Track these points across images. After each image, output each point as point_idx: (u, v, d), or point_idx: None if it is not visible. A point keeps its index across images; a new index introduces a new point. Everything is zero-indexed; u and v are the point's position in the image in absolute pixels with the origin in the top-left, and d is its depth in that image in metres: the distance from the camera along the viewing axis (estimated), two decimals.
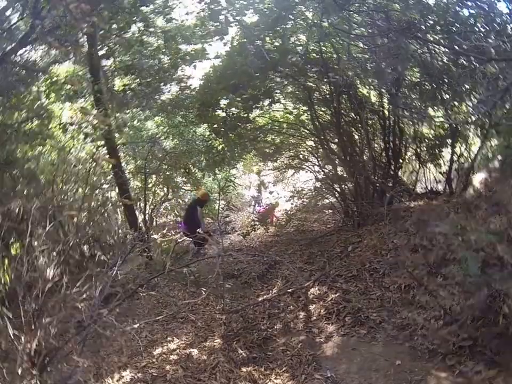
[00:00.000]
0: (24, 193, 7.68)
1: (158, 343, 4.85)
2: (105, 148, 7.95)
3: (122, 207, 8.67)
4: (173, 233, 9.82)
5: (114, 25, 6.65)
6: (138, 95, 8.30)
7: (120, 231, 9.17)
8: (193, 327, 5.29)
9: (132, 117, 9.83)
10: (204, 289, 5.12)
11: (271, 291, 6.17)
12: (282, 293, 5.84)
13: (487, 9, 6.18)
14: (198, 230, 8.95)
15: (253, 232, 9.59)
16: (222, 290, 5.53)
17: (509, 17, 6.65)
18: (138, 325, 4.47)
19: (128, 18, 6.68)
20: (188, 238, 9.10)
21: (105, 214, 8.97)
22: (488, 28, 6.56)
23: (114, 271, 3.95)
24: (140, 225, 8.24)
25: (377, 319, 4.50)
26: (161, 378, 3.99)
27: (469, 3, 6.52)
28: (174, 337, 4.98)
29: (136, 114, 9.90)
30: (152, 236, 8.16)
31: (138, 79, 8.11)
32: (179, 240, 9.06)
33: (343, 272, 5.91)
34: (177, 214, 11.38)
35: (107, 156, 7.71)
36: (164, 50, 7.90)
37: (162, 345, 4.81)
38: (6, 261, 7.81)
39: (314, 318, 5.05)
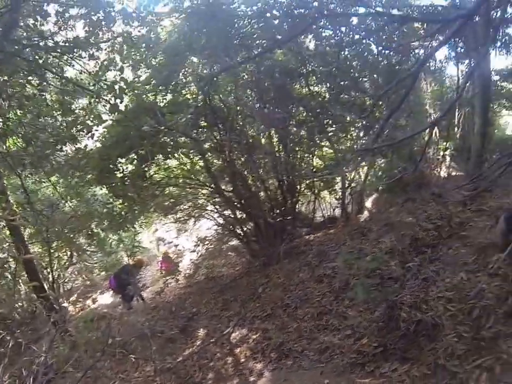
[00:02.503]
0: None
1: None
2: None
3: (27, 276, 8.28)
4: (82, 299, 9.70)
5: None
6: (32, 156, 8.05)
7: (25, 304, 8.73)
8: None
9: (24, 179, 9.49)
10: (133, 356, 5.21)
11: (195, 343, 6.30)
12: (207, 343, 6.01)
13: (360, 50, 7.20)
14: (128, 289, 9.37)
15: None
16: (150, 353, 5.63)
17: (379, 56, 7.79)
18: None
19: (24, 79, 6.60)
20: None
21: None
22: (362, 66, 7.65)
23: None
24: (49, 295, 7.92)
25: (299, 349, 4.85)
26: None
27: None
28: None
29: (29, 176, 9.57)
30: (62, 305, 7.99)
31: (32, 140, 7.87)
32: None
33: (258, 313, 6.22)
34: (86, 278, 11.15)
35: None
36: (57, 107, 7.75)
37: None
38: None
39: (242, 360, 5.28)
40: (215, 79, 7.25)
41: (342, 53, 7.55)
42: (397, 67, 8.07)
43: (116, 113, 6.80)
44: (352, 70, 7.89)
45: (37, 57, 6.30)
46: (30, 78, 6.53)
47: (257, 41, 7.25)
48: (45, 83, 6.94)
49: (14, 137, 8.02)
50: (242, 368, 5.13)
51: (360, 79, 8.19)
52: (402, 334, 3.93)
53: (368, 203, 8.71)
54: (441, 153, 11.97)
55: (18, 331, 6.63)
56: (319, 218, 9.72)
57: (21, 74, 6.32)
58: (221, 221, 9.69)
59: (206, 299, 8.07)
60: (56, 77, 7.11)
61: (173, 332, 6.77)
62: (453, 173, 10.82)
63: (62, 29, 6.03)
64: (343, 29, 7.42)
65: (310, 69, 7.59)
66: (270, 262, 7.92)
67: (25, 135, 7.39)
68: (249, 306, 6.66)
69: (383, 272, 5.03)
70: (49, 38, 5.92)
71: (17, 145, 8.29)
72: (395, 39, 7.87)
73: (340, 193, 9.10)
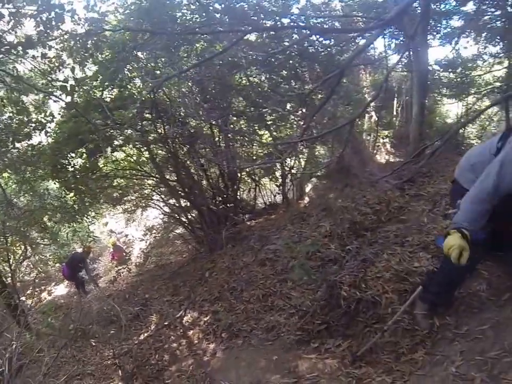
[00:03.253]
0: None
1: None
2: None
3: None
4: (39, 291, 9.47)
5: None
6: None
7: None
8: (93, 379, 5.28)
9: None
10: (93, 340, 5.19)
11: (149, 328, 6.35)
12: (161, 327, 6.08)
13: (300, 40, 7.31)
14: (81, 275, 9.80)
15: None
16: (108, 337, 5.62)
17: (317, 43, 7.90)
18: None
19: None
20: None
21: None
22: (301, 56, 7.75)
23: None
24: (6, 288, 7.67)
25: (248, 328, 4.99)
26: None
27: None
28: None
29: None
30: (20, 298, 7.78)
31: None
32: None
33: (207, 297, 6.30)
34: (40, 270, 10.87)
35: None
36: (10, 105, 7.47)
37: None
38: None
39: (196, 341, 5.39)
40: (157, 72, 7.28)
41: (282, 43, 7.64)
42: (337, 57, 8.29)
43: (68, 110, 6.68)
44: (291, 61, 8.00)
45: None
46: None
47: (199, 36, 7.26)
48: None
49: None
50: (196, 349, 5.22)
51: (299, 69, 8.33)
52: (343, 311, 4.12)
53: (308, 189, 8.92)
54: (381, 140, 12.45)
55: None
56: (261, 205, 9.87)
57: None
58: (166, 209, 9.71)
59: (157, 286, 8.11)
60: (7, 75, 6.84)
61: (128, 317, 6.77)
62: (392, 160, 11.22)
63: (13, 28, 5.78)
64: (283, 20, 7.49)
65: (249, 60, 7.67)
66: (215, 247, 8.02)
67: None
68: (198, 291, 6.73)
69: (323, 254, 5.24)
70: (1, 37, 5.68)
71: None
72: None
73: (280, 180, 9.26)
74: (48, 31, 5.57)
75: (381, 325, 3.71)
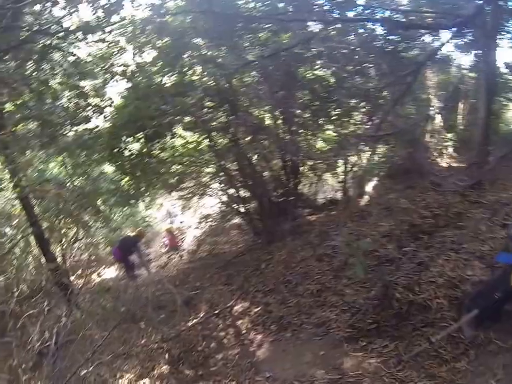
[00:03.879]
0: None
1: (109, 382, 5.06)
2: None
3: (40, 251, 8.63)
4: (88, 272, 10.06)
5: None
6: (40, 136, 8.26)
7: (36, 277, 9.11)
8: (137, 360, 5.59)
9: (33, 158, 9.77)
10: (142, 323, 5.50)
11: (198, 315, 6.55)
12: (210, 315, 6.31)
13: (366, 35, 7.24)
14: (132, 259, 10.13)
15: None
16: (158, 321, 5.92)
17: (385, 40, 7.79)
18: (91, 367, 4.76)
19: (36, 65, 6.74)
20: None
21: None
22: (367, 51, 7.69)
23: None
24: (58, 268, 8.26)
25: (298, 322, 5.13)
26: None
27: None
28: (123, 374, 5.28)
29: (37, 155, 9.84)
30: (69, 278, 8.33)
31: (40, 120, 8.08)
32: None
33: (260, 288, 6.47)
34: (91, 253, 11.50)
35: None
36: (64, 88, 7.94)
37: (114, 383, 5.09)
38: None
39: (244, 331, 5.58)
40: (219, 60, 7.45)
41: (347, 37, 7.59)
42: (403, 53, 8.13)
43: (127, 94, 6.98)
44: (356, 56, 7.95)
45: (48, 42, 6.43)
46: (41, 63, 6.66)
47: (262, 24, 7.32)
48: (56, 67, 7.10)
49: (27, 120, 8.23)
50: (243, 338, 5.42)
51: (364, 64, 8.24)
52: (395, 313, 4.20)
53: (369, 188, 8.85)
54: (444, 143, 12.06)
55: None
56: (321, 200, 9.89)
57: (32, 59, 6.47)
58: (224, 198, 9.86)
59: (209, 274, 8.34)
60: (67, 60, 7.27)
61: (177, 304, 7.06)
62: (454, 164, 10.91)
63: (70, 14, 6.16)
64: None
65: (314, 53, 7.65)
66: (273, 239, 8.14)
67: (37, 117, 7.58)
68: (252, 281, 6.92)
69: (380, 254, 5.28)
70: (58, 23, 6.06)
71: (27, 127, 8.53)
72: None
73: (342, 176, 9.24)
74: (106, 16, 5.86)
75: (429, 330, 3.77)
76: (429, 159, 8.68)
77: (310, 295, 5.57)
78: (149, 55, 7.66)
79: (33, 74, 6.85)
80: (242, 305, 6.30)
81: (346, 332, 4.41)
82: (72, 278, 8.86)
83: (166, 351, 5.54)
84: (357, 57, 7.86)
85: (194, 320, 6.39)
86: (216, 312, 6.35)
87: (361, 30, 7.62)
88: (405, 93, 5.84)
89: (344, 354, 4.14)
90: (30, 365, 3.83)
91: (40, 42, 6.28)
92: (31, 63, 6.61)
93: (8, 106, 7.60)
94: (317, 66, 8.26)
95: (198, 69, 8.03)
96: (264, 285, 6.51)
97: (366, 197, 8.53)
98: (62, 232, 9.52)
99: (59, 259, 9.26)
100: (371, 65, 8.29)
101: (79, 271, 10.38)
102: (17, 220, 8.96)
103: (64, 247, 9.88)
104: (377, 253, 5.33)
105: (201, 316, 6.51)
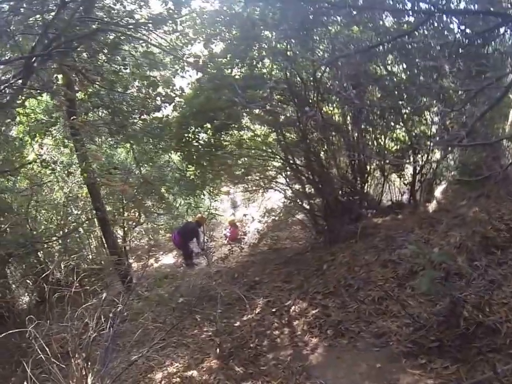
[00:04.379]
0: None
1: (157, 368, 5.32)
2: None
3: (101, 233, 9.14)
4: (147, 256, 10.48)
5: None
6: (110, 123, 8.69)
7: (96, 257, 9.67)
8: (187, 350, 5.84)
9: (101, 143, 10.35)
10: (198, 315, 5.67)
11: (254, 311, 6.68)
12: (266, 312, 6.42)
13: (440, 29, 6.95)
14: (191, 247, 10.80)
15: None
16: (214, 315, 6.12)
17: (460, 37, 7.45)
18: (142, 352, 5.00)
19: (108, 56, 7.12)
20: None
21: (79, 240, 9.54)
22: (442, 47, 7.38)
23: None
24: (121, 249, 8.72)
25: (356, 330, 5.09)
26: None
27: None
28: (172, 362, 5.53)
29: (106, 141, 10.42)
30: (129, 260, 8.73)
31: (109, 109, 8.51)
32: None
33: (320, 289, 6.45)
34: (151, 238, 11.98)
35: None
36: (134, 77, 8.34)
37: (161, 370, 5.34)
38: None
39: (299, 332, 5.61)
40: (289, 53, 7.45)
41: (420, 30, 7.32)
42: (482, 50, 7.74)
43: (197, 85, 7.22)
44: (431, 51, 7.66)
45: (119, 33, 6.83)
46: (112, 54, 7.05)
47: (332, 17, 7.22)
48: (127, 58, 7.48)
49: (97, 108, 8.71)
50: (297, 340, 5.45)
51: (438, 60, 7.92)
52: (460, 333, 4.04)
53: (437, 192, 8.55)
54: None
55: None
56: (386, 202, 9.71)
57: (104, 50, 6.85)
58: (289, 194, 9.92)
59: (268, 270, 8.46)
60: (137, 51, 7.63)
61: (233, 297, 7.22)
62: None
63: (141, 7, 6.48)
64: (422, 5, 7.15)
65: (386, 47, 7.48)
66: (336, 240, 8.10)
67: (109, 106, 7.98)
68: (312, 282, 6.91)
69: (449, 266, 5.10)
70: (130, 15, 6.37)
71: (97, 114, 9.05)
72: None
73: (410, 178, 9.02)
74: (176, 8, 6.10)
75: (495, 356, 3.62)
76: (506, 166, 8.25)
77: (371, 302, 5.51)
78: (216, 47, 7.93)
79: (105, 64, 7.24)
80: (300, 305, 6.32)
81: (406, 347, 4.33)
82: (130, 260, 9.26)
83: (218, 345, 5.68)
84: (431, 52, 7.58)
85: (250, 316, 6.53)
86: (274, 310, 6.43)
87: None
88: (506, 92, 5.54)
89: (402, 370, 4.07)
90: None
91: (112, 34, 6.66)
92: (103, 54, 6.98)
93: (80, 95, 8.06)
94: (388, 61, 8.06)
95: (267, 62, 8.24)
96: (325, 287, 6.48)
97: (434, 203, 8.24)
98: (125, 215, 10.00)
99: (119, 241, 9.77)
100: (445, 62, 7.97)
101: (138, 255, 10.86)
102: (82, 202, 9.56)
103: (125, 230, 10.39)
104: (446, 265, 5.17)
105: (257, 312, 6.63)
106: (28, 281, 9.70)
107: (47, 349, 3.71)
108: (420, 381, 3.83)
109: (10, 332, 3.99)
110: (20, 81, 5.31)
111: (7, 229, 8.33)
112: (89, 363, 3.80)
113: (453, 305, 4.32)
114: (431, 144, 8.20)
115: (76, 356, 3.76)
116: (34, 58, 4.98)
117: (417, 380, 3.86)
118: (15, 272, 9.90)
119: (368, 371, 4.29)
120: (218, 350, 5.55)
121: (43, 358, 3.63)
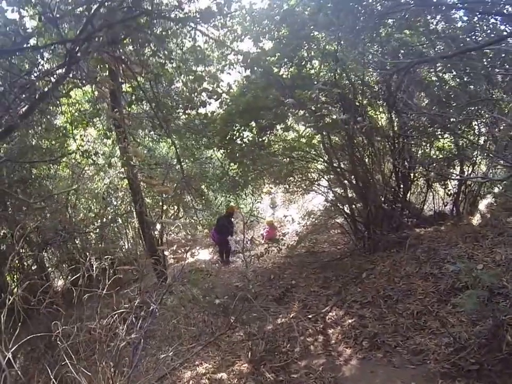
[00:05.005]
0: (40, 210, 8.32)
1: (186, 366, 5.42)
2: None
3: (138, 224, 9.34)
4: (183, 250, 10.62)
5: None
6: (153, 117, 8.83)
7: (132, 247, 9.89)
8: (218, 350, 5.89)
9: (144, 136, 10.55)
10: (232, 317, 5.70)
11: (288, 315, 6.68)
12: (301, 318, 6.36)
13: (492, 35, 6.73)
14: (229, 238, 11.00)
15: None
16: (248, 318, 6.18)
17: None
18: (172, 349, 5.06)
19: (153, 50, 7.22)
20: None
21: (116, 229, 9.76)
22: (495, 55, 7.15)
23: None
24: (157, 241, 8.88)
25: (393, 344, 5.01)
26: None
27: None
28: (201, 361, 5.59)
29: (149, 134, 10.62)
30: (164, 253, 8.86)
31: (153, 103, 8.63)
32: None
33: (358, 298, 6.41)
34: (188, 232, 12.14)
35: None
36: (179, 72, 8.43)
37: (191, 369, 5.41)
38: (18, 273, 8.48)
39: (333, 341, 5.57)
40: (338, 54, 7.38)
41: (473, 37, 7.10)
42: None
43: (244, 83, 7.25)
44: (484, 59, 7.42)
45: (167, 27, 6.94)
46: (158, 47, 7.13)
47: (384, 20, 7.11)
48: (173, 52, 7.58)
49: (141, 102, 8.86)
50: (331, 349, 5.40)
51: (492, 68, 7.68)
52: (502, 357, 3.91)
53: (482, 205, 8.31)
54: None
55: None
56: (427, 211, 9.54)
57: (151, 44, 6.93)
58: (330, 197, 9.91)
59: (305, 273, 8.44)
60: (184, 45, 7.74)
61: (269, 299, 7.22)
62: None
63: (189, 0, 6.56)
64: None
65: (438, 53, 7.28)
66: (377, 248, 8.05)
67: (153, 99, 8.11)
68: (350, 289, 6.87)
69: (494, 285, 4.95)
70: (179, 8, 6.44)
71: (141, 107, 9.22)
72: None
73: (454, 189, 8.83)
74: (226, 4, 6.14)
75: None
76: None
77: (410, 316, 5.42)
78: (265, 45, 7.93)
79: (150, 58, 7.35)
80: (336, 313, 6.30)
81: (444, 367, 4.22)
82: (166, 253, 9.38)
83: (249, 348, 5.69)
84: (484, 60, 7.35)
85: (283, 320, 6.52)
86: (310, 316, 6.40)
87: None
88: None
89: None
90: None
91: (159, 27, 6.75)
92: (149, 47, 7.09)
93: (125, 87, 8.21)
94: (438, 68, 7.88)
95: (315, 63, 8.25)
96: (363, 296, 6.43)
97: (478, 216, 8.01)
98: (164, 208, 10.17)
99: (156, 233, 9.94)
100: (498, 70, 7.71)
101: (174, 248, 11.02)
102: (122, 193, 9.78)
103: (163, 224, 10.58)
104: (490, 284, 5.01)
105: (292, 316, 6.62)
106: (64, 265, 10.02)
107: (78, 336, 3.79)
108: None
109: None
110: (63, 70, 5.41)
111: (47, 215, 8.57)
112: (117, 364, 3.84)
113: (495, 327, 4.20)
114: (477, 155, 8.02)
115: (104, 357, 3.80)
116: (78, 48, 5.06)
117: None
118: (52, 256, 10.24)
119: None
120: (249, 353, 5.55)
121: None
